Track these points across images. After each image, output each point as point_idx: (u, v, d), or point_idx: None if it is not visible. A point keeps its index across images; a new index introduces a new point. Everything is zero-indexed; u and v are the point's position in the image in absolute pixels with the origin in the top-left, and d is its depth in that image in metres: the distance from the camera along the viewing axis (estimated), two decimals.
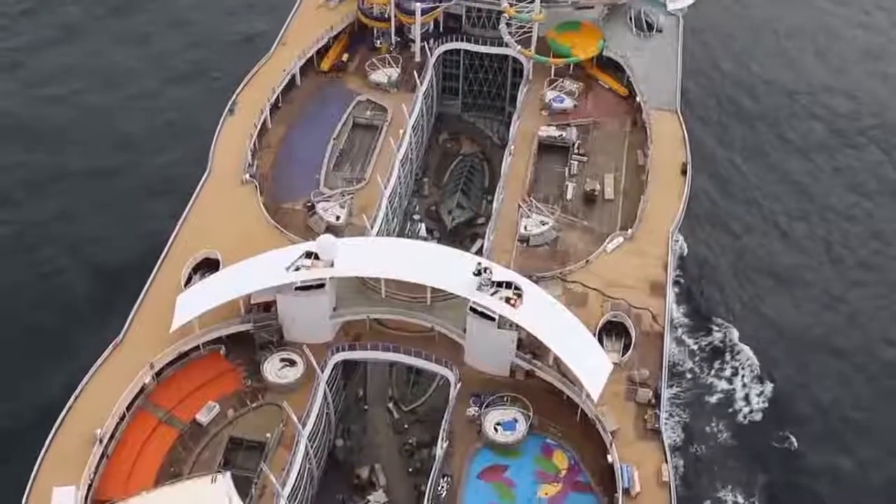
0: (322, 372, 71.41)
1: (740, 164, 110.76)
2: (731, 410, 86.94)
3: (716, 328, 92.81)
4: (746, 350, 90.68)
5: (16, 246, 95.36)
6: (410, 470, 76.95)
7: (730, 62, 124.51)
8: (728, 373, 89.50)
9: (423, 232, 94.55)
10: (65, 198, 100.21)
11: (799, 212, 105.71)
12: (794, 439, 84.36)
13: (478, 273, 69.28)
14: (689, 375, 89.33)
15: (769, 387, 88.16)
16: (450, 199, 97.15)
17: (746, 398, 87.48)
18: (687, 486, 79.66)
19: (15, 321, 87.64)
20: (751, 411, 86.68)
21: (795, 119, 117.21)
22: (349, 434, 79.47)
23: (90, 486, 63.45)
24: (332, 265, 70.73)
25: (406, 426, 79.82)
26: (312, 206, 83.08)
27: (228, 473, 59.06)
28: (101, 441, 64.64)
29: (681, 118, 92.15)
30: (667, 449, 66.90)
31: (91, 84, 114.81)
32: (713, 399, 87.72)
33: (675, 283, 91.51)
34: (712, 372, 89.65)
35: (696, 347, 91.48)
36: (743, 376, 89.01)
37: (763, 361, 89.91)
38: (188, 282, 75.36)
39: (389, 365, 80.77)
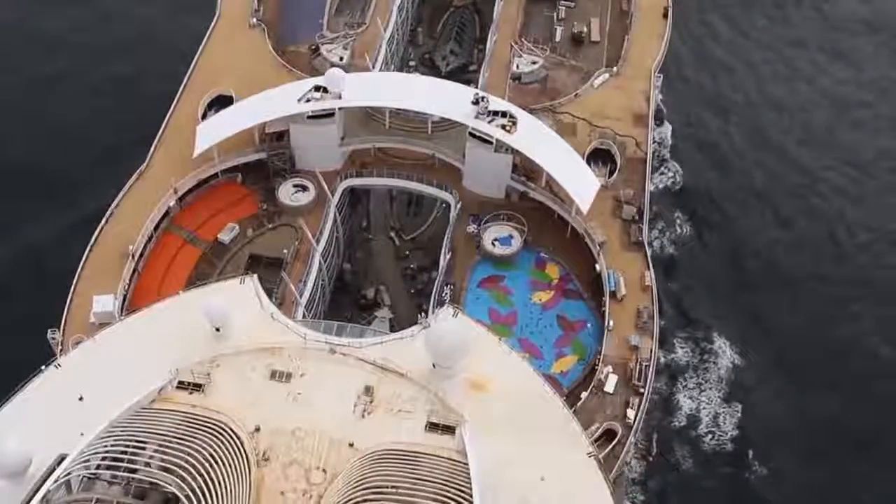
0: (332, 196, 77.14)
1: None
2: (699, 432, 79.78)
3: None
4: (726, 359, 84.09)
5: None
6: (412, 291, 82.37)
7: None
8: (697, 389, 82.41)
9: None
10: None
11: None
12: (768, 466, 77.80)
13: (475, 102, 74.47)
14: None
15: (740, 407, 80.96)
16: (443, 46, 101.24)
17: (716, 418, 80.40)
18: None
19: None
20: (721, 435, 79.54)
21: None
22: (355, 260, 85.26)
23: (125, 296, 69.06)
24: (339, 97, 75.78)
25: (407, 253, 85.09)
26: (317, 48, 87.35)
27: (255, 276, 63.77)
28: (133, 256, 70.10)
29: None
30: (649, 259, 72.72)
31: None
32: (680, 419, 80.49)
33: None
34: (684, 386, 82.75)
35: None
36: (718, 393, 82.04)
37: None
38: (204, 117, 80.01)
39: (390, 198, 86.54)
